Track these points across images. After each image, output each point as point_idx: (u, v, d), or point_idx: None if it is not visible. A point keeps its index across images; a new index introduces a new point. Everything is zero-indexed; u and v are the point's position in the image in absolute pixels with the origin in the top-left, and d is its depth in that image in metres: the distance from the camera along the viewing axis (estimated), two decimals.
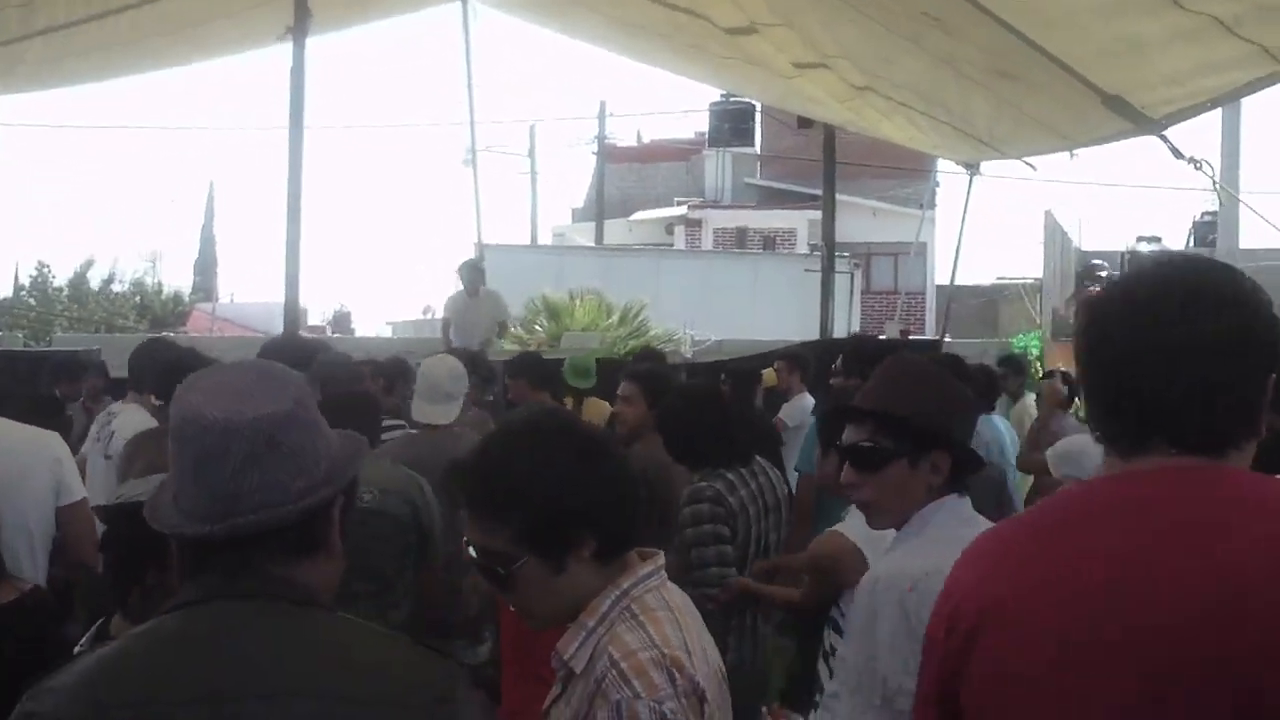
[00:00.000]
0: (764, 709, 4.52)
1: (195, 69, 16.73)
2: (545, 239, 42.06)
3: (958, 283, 16.47)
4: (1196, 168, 8.11)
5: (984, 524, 3.27)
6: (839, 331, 19.00)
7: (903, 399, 3.34)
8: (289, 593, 2.19)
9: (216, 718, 2.04)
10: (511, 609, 2.80)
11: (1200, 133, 9.80)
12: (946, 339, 16.94)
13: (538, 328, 21.16)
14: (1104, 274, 32.56)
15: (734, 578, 5.27)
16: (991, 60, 7.41)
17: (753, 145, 42.14)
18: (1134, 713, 1.93)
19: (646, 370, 7.11)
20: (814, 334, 15.25)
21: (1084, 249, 34.98)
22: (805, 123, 14.56)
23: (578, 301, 21.76)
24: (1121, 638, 1.95)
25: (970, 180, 12.66)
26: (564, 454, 2.63)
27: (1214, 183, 8.85)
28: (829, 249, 15.95)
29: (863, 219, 35.67)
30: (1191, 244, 35.63)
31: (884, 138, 12.40)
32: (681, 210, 40.58)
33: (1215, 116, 20.08)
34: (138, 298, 46.15)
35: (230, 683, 2.06)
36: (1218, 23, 5.68)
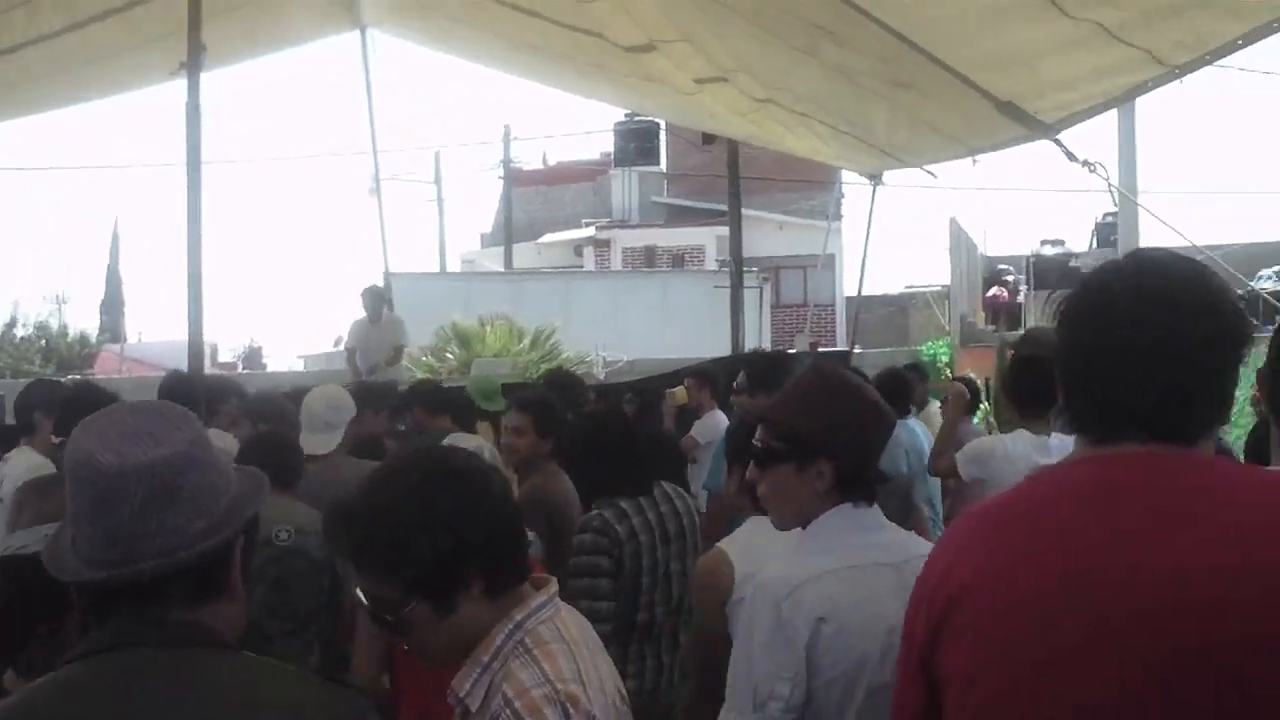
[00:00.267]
0: None
1: (94, 107, 16.57)
2: (454, 266, 41.94)
3: (867, 293, 16.59)
4: (1091, 170, 8.22)
5: (887, 532, 3.38)
6: (750, 346, 19.09)
7: (789, 408, 3.44)
8: (193, 636, 2.17)
9: None
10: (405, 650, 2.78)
11: (1098, 135, 9.98)
12: (856, 349, 17.05)
13: (449, 355, 21.10)
14: (1009, 278, 32.99)
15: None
16: (886, 69, 7.49)
17: (658, 164, 42.42)
18: (1115, 704, 1.98)
19: (535, 399, 7.04)
20: (725, 350, 15.29)
21: (989, 254, 35.42)
22: (709, 139, 14.68)
23: (488, 327, 21.71)
24: (1098, 625, 2.00)
25: (874, 190, 12.78)
26: (443, 497, 2.61)
27: (1109, 185, 8.96)
28: (737, 264, 16.00)
29: (770, 233, 35.89)
30: (1094, 245, 36.20)
31: (788, 150, 12.47)
32: (589, 231, 40.66)
33: (1111, 119, 20.43)
34: (43, 341, 45.49)
35: None
36: (1103, 29, 5.79)
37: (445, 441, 6.68)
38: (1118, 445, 2.14)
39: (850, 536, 3.28)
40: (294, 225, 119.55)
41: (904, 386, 8.88)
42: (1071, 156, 8.01)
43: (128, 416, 2.24)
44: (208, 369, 14.03)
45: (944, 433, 7.52)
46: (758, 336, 26.28)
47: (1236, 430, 7.67)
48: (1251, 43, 5.73)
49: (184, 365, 7.64)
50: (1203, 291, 2.17)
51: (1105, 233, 33.13)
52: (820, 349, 22.41)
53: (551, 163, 46.84)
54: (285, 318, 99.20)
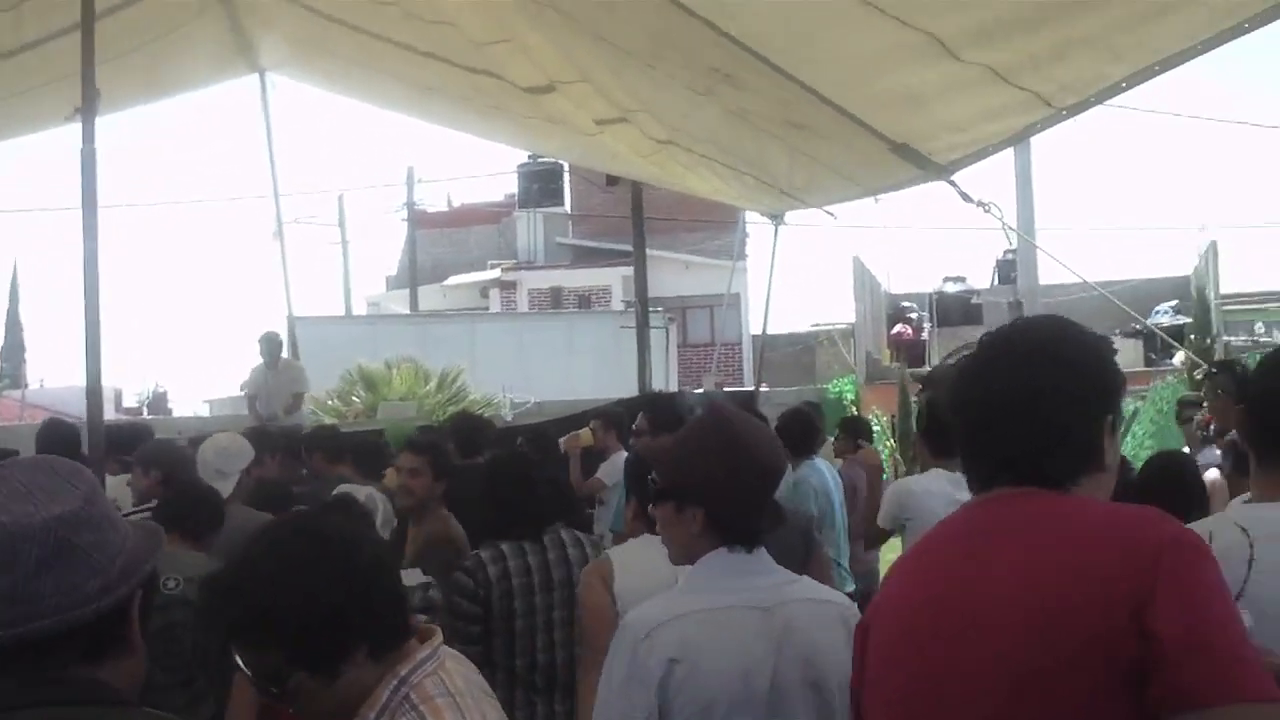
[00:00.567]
0: None
1: None
2: (360, 309, 41.74)
3: (773, 331, 16.69)
4: (985, 210, 8.34)
5: (766, 576, 3.41)
6: (658, 386, 19.12)
7: (668, 454, 3.52)
8: (91, 694, 2.14)
9: None
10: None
11: (997, 172, 10.14)
12: (763, 388, 17.12)
13: (355, 399, 20.97)
14: (913, 315, 33.33)
15: None
16: (781, 111, 7.55)
17: (563, 205, 42.52)
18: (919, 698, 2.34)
19: (428, 441, 7.07)
20: (632, 390, 15.31)
21: (893, 292, 35.77)
22: (613, 180, 14.70)
23: (394, 370, 21.60)
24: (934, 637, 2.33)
25: (776, 230, 12.84)
26: (317, 571, 2.57)
27: (1003, 224, 9.10)
28: (642, 305, 16.04)
29: (676, 273, 36.05)
30: (995, 282, 36.63)
31: (690, 191, 12.54)
32: (495, 273, 40.64)
33: (1008, 157, 20.76)
34: None
35: None
36: (991, 71, 5.88)
37: (336, 491, 6.66)
38: (992, 491, 2.42)
39: (723, 580, 3.32)
40: (198, 269, 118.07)
41: (809, 426, 8.94)
42: (966, 197, 8.12)
43: (19, 474, 2.20)
44: (111, 414, 13.81)
45: (868, 511, 7.63)
46: (665, 376, 26.34)
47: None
48: (1134, 85, 5.86)
49: (84, 410, 7.55)
50: (1064, 351, 2.43)
51: (1006, 269, 33.53)
52: (726, 388, 22.51)
53: (456, 205, 46.82)
54: (190, 363, 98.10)
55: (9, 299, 59.07)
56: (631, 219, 15.85)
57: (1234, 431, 7.88)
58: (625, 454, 9.98)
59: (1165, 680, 2.03)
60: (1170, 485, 5.91)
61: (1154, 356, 27.20)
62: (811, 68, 6.77)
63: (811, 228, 14.23)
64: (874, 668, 2.49)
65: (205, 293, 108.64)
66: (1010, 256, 30.48)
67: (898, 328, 32.36)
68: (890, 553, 12.20)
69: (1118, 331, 31.27)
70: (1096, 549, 2.19)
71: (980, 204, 8.32)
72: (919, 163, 7.69)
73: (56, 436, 8.44)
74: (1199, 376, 12.63)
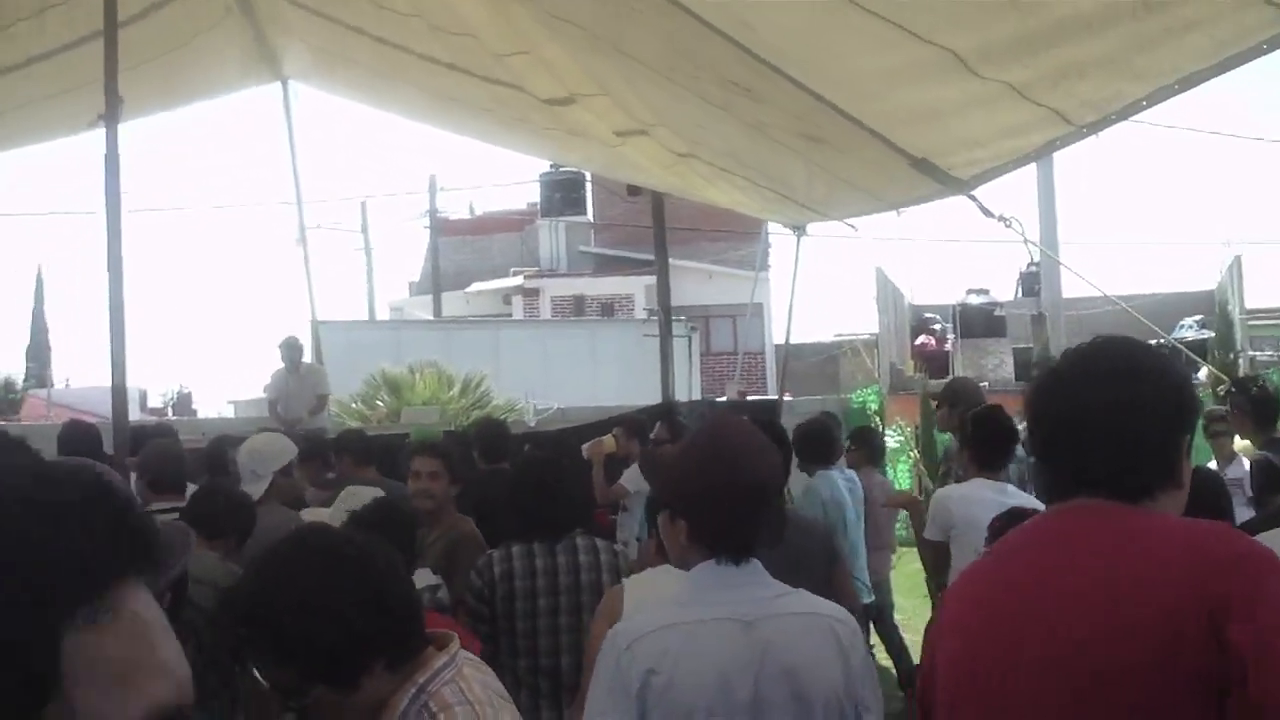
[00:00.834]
0: None
1: (15, 153, 16.44)
2: (383, 314, 41.86)
3: (797, 341, 16.62)
4: (1007, 225, 8.31)
5: (755, 589, 3.41)
6: (681, 395, 19.10)
7: (662, 464, 3.61)
8: None
9: None
10: None
11: (1020, 186, 10.10)
12: (787, 397, 17.09)
13: (379, 403, 21.03)
14: (937, 327, 33.24)
15: None
16: (800, 125, 7.53)
17: (585, 213, 42.40)
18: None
19: (444, 445, 7.13)
20: (655, 398, 15.32)
21: (916, 303, 35.66)
22: (634, 190, 14.69)
23: (418, 375, 21.64)
24: (1024, 651, 2.37)
25: (798, 241, 12.82)
26: (332, 589, 2.59)
27: (1024, 239, 9.07)
28: (665, 313, 16.04)
29: (699, 282, 36.02)
30: (1019, 294, 36.47)
31: (711, 202, 12.53)
32: (518, 280, 40.64)
33: (1031, 171, 20.70)
34: None
35: None
36: (1011, 88, 5.86)
37: (342, 493, 6.66)
38: (1071, 501, 2.48)
39: (708, 593, 3.35)
40: (224, 272, 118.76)
41: (824, 438, 8.92)
42: (987, 212, 8.09)
43: None
44: (136, 415, 13.86)
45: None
46: (688, 385, 26.31)
47: None
48: (1155, 104, 5.83)
49: (109, 410, 7.59)
50: (1149, 370, 2.51)
51: (1029, 282, 33.36)
52: (750, 397, 22.46)
53: (478, 212, 46.83)
54: (215, 364, 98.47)
55: (35, 300, 59.65)
56: (653, 229, 15.85)
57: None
58: None
59: (1243, 689, 2.09)
60: (1202, 500, 5.90)
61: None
62: (830, 82, 6.75)
63: (834, 239, 14.17)
64: (951, 664, 2.53)
65: (230, 296, 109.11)
66: (1034, 269, 30.36)
67: (921, 339, 32.28)
68: (903, 565, 12.22)
69: None
70: (1175, 561, 2.26)
71: (1001, 219, 8.29)
72: (939, 178, 7.66)
73: (78, 437, 8.46)
74: (1222, 392, 12.56)
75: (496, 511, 6.21)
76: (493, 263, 44.53)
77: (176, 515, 5.48)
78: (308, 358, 15.40)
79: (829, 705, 3.28)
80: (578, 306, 39.06)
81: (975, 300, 34.40)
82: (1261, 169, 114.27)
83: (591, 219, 42.41)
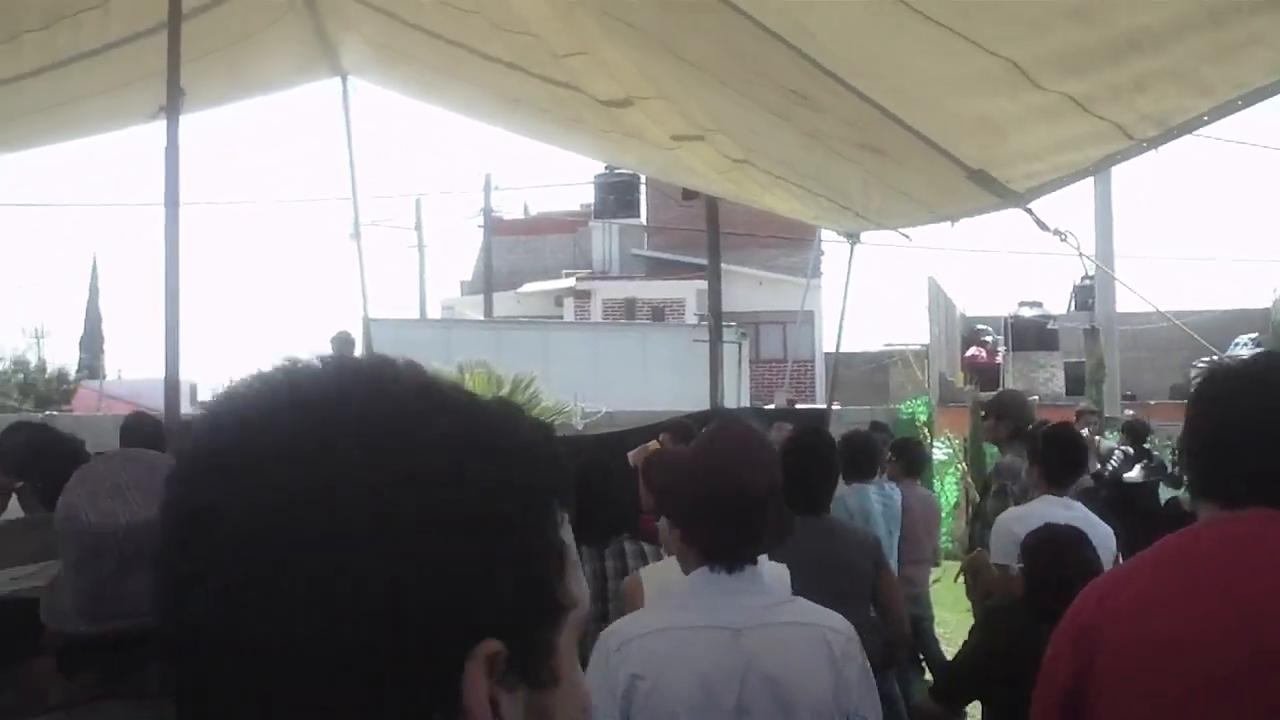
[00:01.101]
0: None
1: (76, 144, 16.61)
2: (434, 312, 42.03)
3: (847, 349, 16.60)
4: (1062, 239, 8.24)
5: (748, 597, 3.41)
6: (729, 401, 19.07)
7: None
8: (167, 689, 2.16)
9: None
10: None
11: (1076, 199, 10.04)
12: (835, 406, 17.06)
13: None
14: (988, 339, 33.11)
15: None
16: (857, 134, 7.51)
17: (638, 216, 42.56)
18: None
19: None
20: (705, 404, 15.32)
21: (968, 314, 35.56)
22: (689, 194, 14.69)
23: (467, 375, 21.66)
24: (1254, 654, 2.38)
25: (851, 249, 12.78)
26: None
27: (1080, 253, 9.01)
28: (716, 319, 16.06)
29: (750, 288, 36.01)
30: (1072, 307, 36.34)
31: (766, 209, 12.51)
32: (569, 282, 40.74)
33: (1087, 185, 20.59)
34: (20, 376, 45.29)
35: None
36: (1071, 101, 5.82)
37: None
38: (1244, 509, 2.53)
39: (699, 599, 3.39)
40: (276, 267, 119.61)
41: (867, 451, 8.90)
42: (1042, 225, 8.03)
43: (125, 468, 2.25)
44: (187, 408, 14.00)
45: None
46: (737, 391, 26.29)
47: None
48: (1216, 119, 5.77)
49: (163, 403, 7.64)
50: None
51: (1083, 296, 33.26)
52: (798, 405, 22.44)
53: (532, 213, 46.98)
54: (265, 358, 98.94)
55: (89, 291, 60.15)
56: (707, 233, 15.86)
57: None
58: None
59: None
60: None
61: None
62: (890, 91, 6.72)
63: (887, 247, 14.16)
64: (1122, 676, 2.52)
65: (282, 291, 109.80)
66: (1088, 282, 30.22)
67: (972, 350, 32.20)
68: (948, 579, 12.16)
69: (1194, 363, 30.99)
70: None
71: (1057, 232, 8.22)
72: (995, 190, 7.61)
73: (140, 430, 8.50)
74: None
75: None
76: (545, 263, 44.65)
77: None
78: (359, 354, 15.47)
79: (818, 716, 3.28)
80: (629, 309, 39.09)
81: (1028, 313, 34.30)
82: None
83: (645, 222, 42.54)
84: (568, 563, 1.12)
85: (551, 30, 8.47)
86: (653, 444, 10.62)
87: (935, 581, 11.92)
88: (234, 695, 1.04)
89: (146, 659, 2.17)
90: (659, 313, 38.84)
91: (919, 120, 6.97)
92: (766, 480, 3.54)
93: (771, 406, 21.79)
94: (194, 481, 1.05)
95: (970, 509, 15.18)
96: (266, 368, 1.08)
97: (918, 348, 32.62)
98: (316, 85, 14.52)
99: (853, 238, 12.42)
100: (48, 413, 27.04)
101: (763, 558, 3.52)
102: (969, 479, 20.05)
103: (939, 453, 20.68)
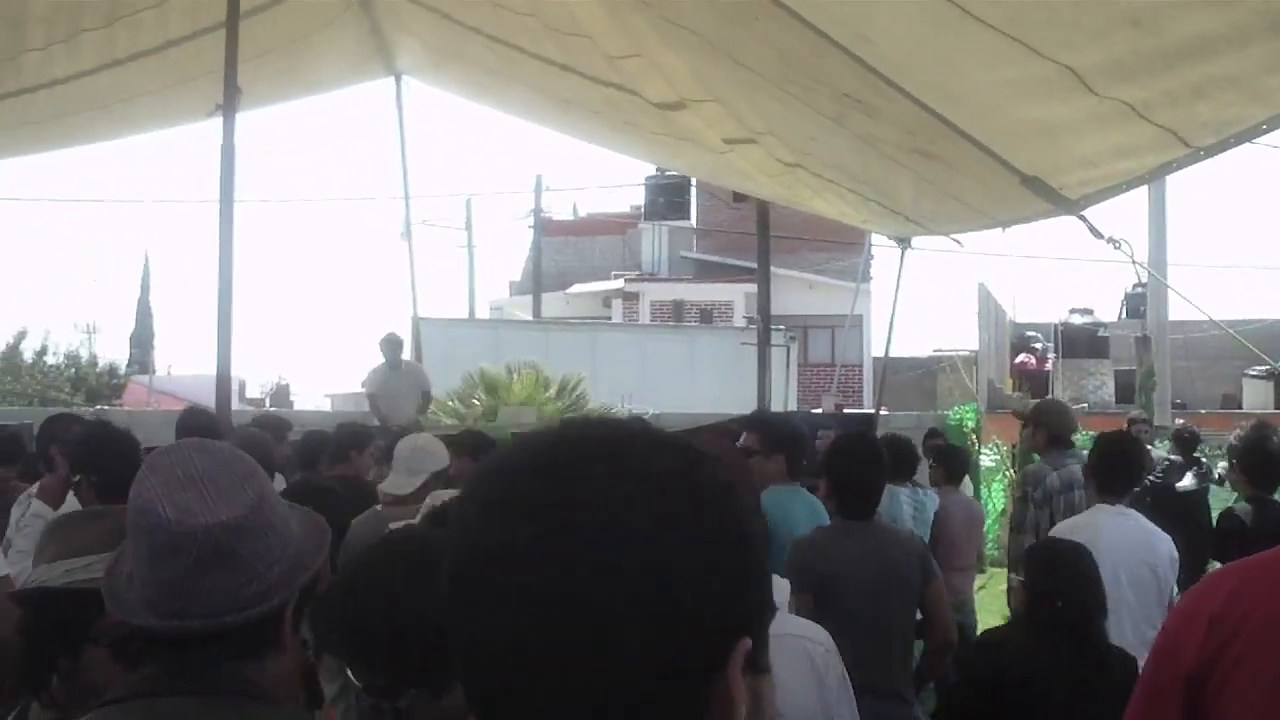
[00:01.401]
0: None
1: (128, 141, 16.75)
2: (483, 312, 42.09)
3: (895, 354, 16.54)
4: (1116, 247, 8.20)
5: None
6: (776, 405, 19.04)
7: None
8: (234, 688, 2.18)
9: None
10: None
11: (1130, 207, 9.98)
12: (883, 411, 17.01)
13: (475, 401, 21.13)
14: (1038, 345, 32.92)
15: None
16: (911, 140, 7.49)
17: (688, 219, 42.50)
18: None
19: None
20: (752, 407, 15.29)
21: (1018, 321, 35.38)
22: (739, 197, 14.68)
23: (515, 375, 21.73)
24: None
25: (902, 254, 12.75)
26: (424, 595, 2.58)
27: (1133, 261, 8.97)
28: (764, 322, 16.03)
29: (799, 292, 35.93)
30: (1123, 315, 36.08)
31: (816, 213, 12.50)
32: (618, 283, 40.73)
33: (1142, 193, 20.45)
34: (72, 370, 45.64)
35: None
36: (1129, 108, 5.78)
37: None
38: None
39: None
40: (325, 265, 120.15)
41: (901, 451, 8.90)
42: (1096, 232, 7.98)
43: (195, 462, 2.23)
44: (236, 405, 14.10)
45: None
46: (784, 395, 26.24)
47: None
48: (1276, 127, 5.74)
49: (212, 400, 7.70)
50: None
51: (1135, 303, 33.03)
52: (846, 410, 22.38)
53: (582, 214, 46.99)
54: (313, 357, 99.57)
55: (141, 288, 60.62)
56: (757, 236, 15.84)
57: None
58: None
59: None
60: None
61: None
62: (945, 98, 6.70)
63: (938, 253, 14.09)
64: (1256, 669, 2.45)
65: (333, 289, 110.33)
66: (1139, 290, 30.01)
67: (1021, 357, 32.00)
68: (993, 585, 12.09)
69: (1246, 372, 30.72)
70: None
71: (1111, 240, 8.17)
72: (1049, 197, 7.57)
73: (195, 425, 8.55)
74: None
75: None
76: (594, 264, 44.67)
77: None
78: (407, 354, 15.56)
79: None
80: (677, 312, 39.08)
81: (1078, 320, 34.05)
82: None
83: (694, 224, 42.49)
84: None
85: (605, 33, 8.50)
86: None
87: (980, 588, 11.86)
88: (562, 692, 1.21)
89: (221, 658, 2.19)
90: (707, 315, 38.81)
91: (974, 126, 6.95)
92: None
93: (819, 411, 21.76)
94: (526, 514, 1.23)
95: None
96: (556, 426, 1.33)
97: (966, 354, 32.47)
98: (370, 85, 14.63)
99: (904, 243, 12.39)
100: (98, 407, 27.22)
101: None
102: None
103: (987, 459, 20.57)
